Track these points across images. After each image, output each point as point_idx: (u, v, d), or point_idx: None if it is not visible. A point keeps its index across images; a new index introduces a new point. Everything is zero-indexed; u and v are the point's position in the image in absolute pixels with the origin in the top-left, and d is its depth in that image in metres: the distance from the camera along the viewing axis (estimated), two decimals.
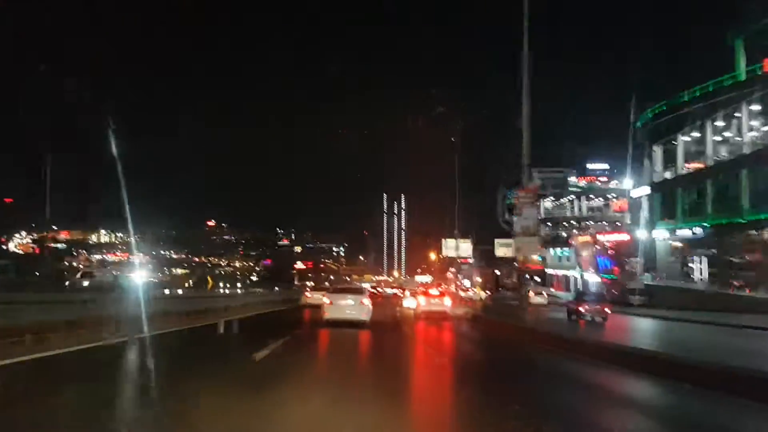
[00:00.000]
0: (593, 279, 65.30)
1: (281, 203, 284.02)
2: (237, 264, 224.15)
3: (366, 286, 42.41)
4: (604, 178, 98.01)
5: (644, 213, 57.60)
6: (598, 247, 61.07)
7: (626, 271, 54.30)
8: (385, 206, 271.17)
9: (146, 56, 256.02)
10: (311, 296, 36.23)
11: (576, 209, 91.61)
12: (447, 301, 31.42)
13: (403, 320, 28.61)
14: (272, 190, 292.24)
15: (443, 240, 61.31)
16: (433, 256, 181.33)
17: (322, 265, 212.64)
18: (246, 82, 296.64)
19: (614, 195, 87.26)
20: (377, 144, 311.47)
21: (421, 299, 31.19)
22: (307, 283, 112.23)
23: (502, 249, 60.70)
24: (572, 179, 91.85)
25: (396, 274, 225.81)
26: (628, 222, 62.15)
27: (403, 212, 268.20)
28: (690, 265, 49.43)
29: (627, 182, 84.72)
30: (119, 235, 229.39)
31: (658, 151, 54.24)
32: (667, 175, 53.42)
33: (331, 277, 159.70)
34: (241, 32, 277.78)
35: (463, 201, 68.64)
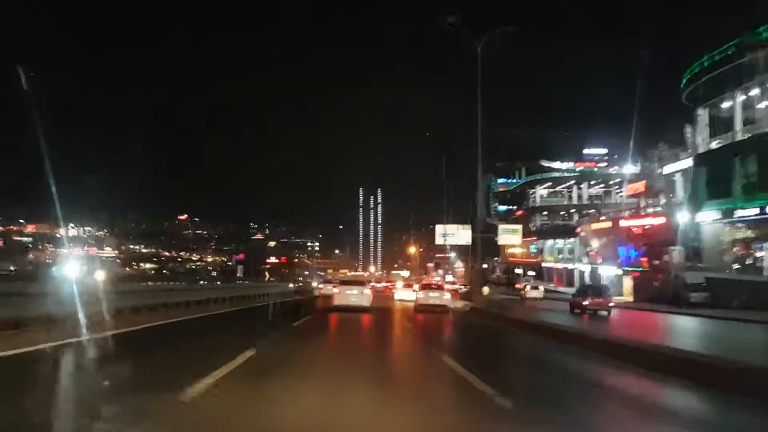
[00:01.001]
0: (609, 272, 54.46)
1: (256, 198, 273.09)
2: (209, 259, 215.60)
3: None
4: (604, 164, 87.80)
5: (681, 192, 46.78)
6: (620, 236, 49.87)
7: (662, 263, 43.31)
8: (361, 200, 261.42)
9: (120, 48, 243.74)
10: (323, 288, 40.11)
11: (575, 197, 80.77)
12: (446, 295, 30.05)
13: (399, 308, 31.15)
14: (247, 184, 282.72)
15: (437, 227, 49.98)
16: (412, 249, 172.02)
17: (296, 260, 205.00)
18: (222, 76, 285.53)
19: (617, 180, 76.77)
20: (355, 137, 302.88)
21: (420, 293, 30.32)
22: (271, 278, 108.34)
23: (507, 237, 49.48)
24: (569, 165, 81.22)
25: (372, 268, 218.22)
26: (659, 205, 51.10)
27: (379, 206, 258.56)
28: (758, 253, 38.37)
29: (628, 167, 74.91)
30: (87, 228, 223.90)
31: (703, 115, 43.13)
32: (714, 144, 42.55)
33: (306, 272, 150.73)
34: (216, 27, 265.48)
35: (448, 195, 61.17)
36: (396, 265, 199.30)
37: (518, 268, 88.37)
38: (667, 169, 47.50)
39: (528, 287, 50.51)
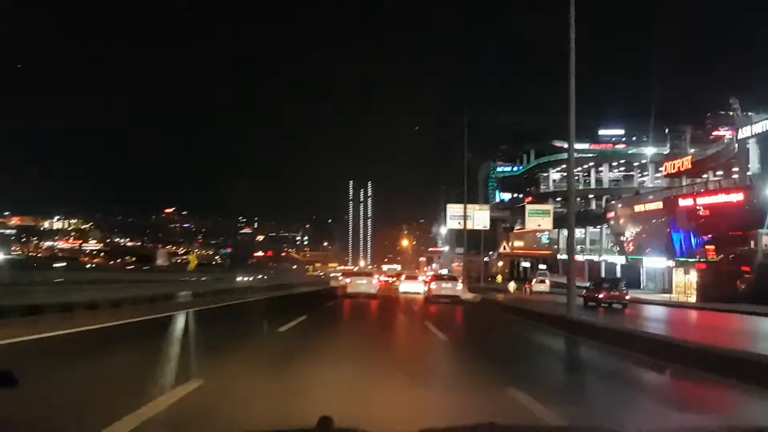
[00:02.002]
0: (656, 264, 43.69)
1: (247, 192, 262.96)
2: (196, 252, 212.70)
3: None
4: (622, 145, 76.79)
5: (757, 164, 35.89)
6: (676, 219, 38.80)
7: (741, 251, 32.47)
8: (351, 194, 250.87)
9: (114, 43, 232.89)
10: (340, 279, 43.69)
11: (593, 181, 69.64)
12: (459, 285, 29.21)
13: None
14: (237, 177, 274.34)
15: (448, 207, 38.63)
16: (405, 242, 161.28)
17: (284, 254, 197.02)
18: (216, 71, 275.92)
19: (642, 161, 65.96)
20: (347, 129, 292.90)
21: (433, 284, 29.39)
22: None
23: (535, 219, 38.39)
24: (583, 146, 70.02)
25: (362, 263, 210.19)
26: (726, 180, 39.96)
27: (369, 200, 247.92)
28: None
29: (648, 150, 64.32)
30: (73, 221, 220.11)
31: None
32: None
33: (294, 267, 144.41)
34: (213, 18, 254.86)
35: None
36: (386, 260, 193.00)
37: (524, 260, 77.48)
38: (744, 132, 36.27)
39: (534, 281, 47.79)
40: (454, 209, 37.64)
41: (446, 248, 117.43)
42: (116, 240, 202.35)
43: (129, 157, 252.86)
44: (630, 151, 66.86)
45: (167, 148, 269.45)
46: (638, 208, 44.89)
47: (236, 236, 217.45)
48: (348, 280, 31.23)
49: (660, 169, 53.61)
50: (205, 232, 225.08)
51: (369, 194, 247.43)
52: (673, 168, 47.38)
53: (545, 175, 72.88)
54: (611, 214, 51.09)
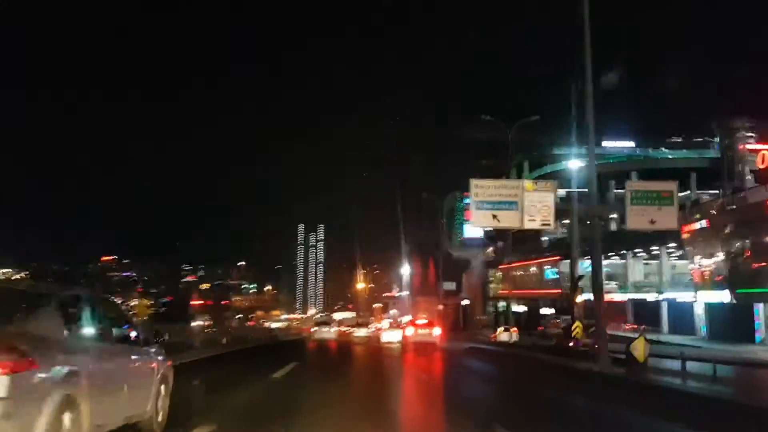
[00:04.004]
0: None
1: (193, 239, 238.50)
2: (134, 302, 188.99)
3: None
4: None
5: None
6: None
7: None
8: (301, 238, 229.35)
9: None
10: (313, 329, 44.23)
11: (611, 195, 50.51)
12: (436, 331, 28.13)
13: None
14: (185, 225, 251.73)
15: (474, 185, 17.97)
16: (360, 285, 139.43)
17: (225, 302, 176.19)
18: (157, 112, 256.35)
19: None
20: (298, 174, 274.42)
21: (409, 329, 29.54)
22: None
23: (638, 216, 18.23)
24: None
25: (312, 310, 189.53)
26: None
27: (320, 243, 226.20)
28: None
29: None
30: (6, 271, 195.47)
31: None
32: None
33: (239, 316, 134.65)
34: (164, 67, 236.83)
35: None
36: (337, 306, 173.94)
37: (517, 303, 57.39)
38: None
39: (499, 330, 40.86)
40: (483, 187, 16.69)
41: (405, 293, 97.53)
42: None
43: (72, 203, 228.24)
44: (667, 155, 48.54)
45: (116, 195, 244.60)
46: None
47: (179, 284, 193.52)
48: (314, 328, 40.65)
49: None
50: (147, 280, 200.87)
51: (320, 238, 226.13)
52: None
53: None
54: (689, 227, 31.09)
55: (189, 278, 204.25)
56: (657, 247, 36.78)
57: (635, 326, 35.43)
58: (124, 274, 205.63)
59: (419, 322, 31.68)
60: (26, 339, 4.00)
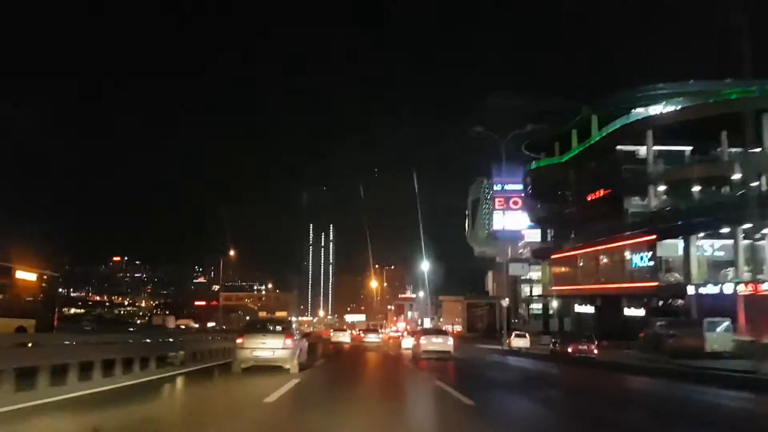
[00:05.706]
0: None
1: (204, 239, 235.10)
2: (143, 303, 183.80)
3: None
4: None
5: None
6: None
7: None
8: (311, 238, 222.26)
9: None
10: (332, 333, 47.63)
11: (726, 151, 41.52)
12: (450, 340, 25.23)
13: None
14: (195, 226, 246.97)
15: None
16: (374, 283, 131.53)
17: (229, 302, 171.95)
18: (170, 109, 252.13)
19: None
20: (311, 172, 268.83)
21: (422, 339, 25.72)
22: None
23: None
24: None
25: (321, 312, 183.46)
26: None
27: (331, 244, 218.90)
28: None
29: None
30: None
31: None
32: None
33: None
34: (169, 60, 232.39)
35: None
36: (349, 309, 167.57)
37: (581, 303, 49.28)
38: None
39: (513, 335, 37.40)
40: None
41: (421, 293, 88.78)
42: (60, 291, 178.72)
43: (86, 205, 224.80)
44: None
45: (128, 198, 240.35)
46: None
47: (190, 286, 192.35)
48: (333, 333, 45.36)
49: None
50: (157, 281, 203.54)
51: (330, 238, 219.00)
52: None
53: (631, 150, 44.35)
54: None
55: (199, 279, 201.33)
56: None
57: None
58: (136, 275, 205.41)
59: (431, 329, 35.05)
60: None
